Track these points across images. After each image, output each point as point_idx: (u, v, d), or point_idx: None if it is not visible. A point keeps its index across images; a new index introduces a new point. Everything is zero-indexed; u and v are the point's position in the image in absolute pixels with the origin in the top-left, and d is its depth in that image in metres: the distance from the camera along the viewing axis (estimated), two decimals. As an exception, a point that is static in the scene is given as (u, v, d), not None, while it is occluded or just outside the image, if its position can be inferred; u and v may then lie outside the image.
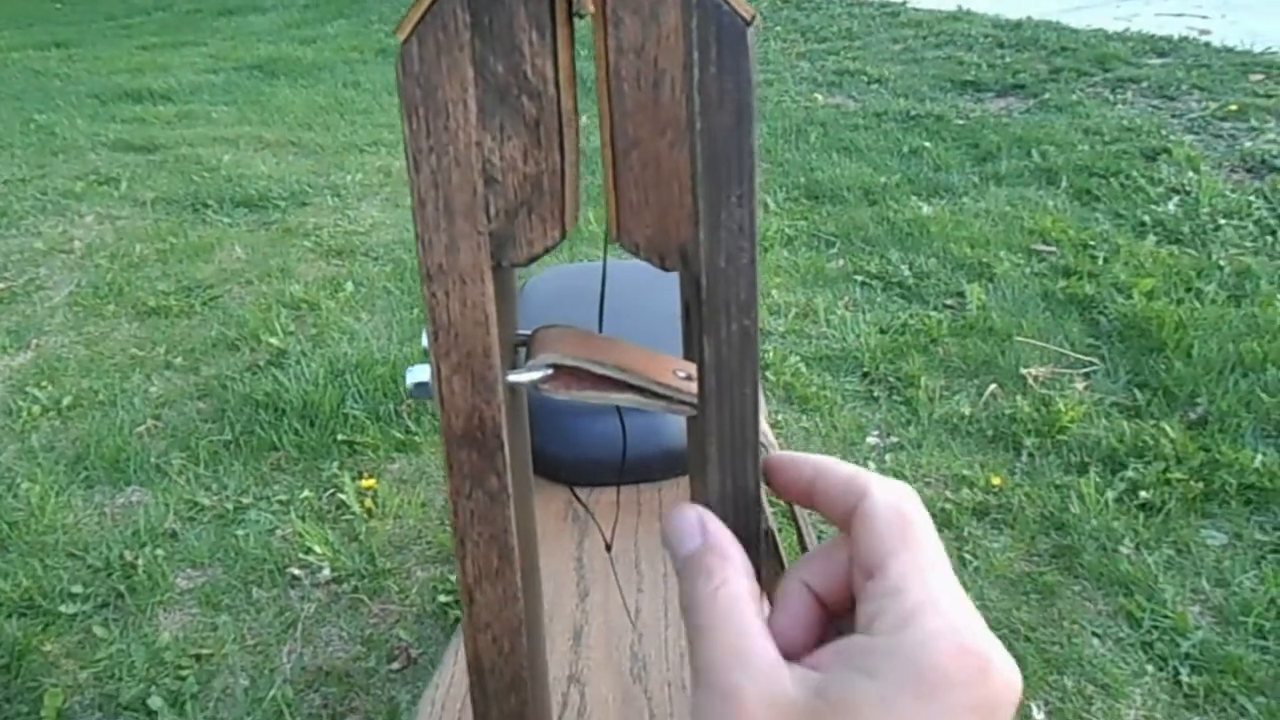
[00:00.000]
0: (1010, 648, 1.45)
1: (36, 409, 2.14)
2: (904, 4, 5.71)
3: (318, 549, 1.71)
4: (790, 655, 0.31)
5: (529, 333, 0.46)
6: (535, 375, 0.42)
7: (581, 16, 0.33)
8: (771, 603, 0.36)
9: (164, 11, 6.50)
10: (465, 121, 0.33)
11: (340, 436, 2.00)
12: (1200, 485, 1.72)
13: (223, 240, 2.99)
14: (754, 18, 0.33)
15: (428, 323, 0.38)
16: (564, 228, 0.36)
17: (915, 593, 0.29)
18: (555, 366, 0.43)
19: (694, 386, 0.43)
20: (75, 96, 4.59)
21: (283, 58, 5.14)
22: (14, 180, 3.52)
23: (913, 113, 3.84)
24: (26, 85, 4.84)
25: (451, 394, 0.39)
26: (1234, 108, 3.62)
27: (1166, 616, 1.48)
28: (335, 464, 1.93)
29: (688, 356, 0.45)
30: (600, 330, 0.54)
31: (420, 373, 0.57)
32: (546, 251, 0.36)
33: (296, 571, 1.68)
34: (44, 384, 2.24)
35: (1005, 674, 0.28)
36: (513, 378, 0.42)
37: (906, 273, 2.57)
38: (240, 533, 1.76)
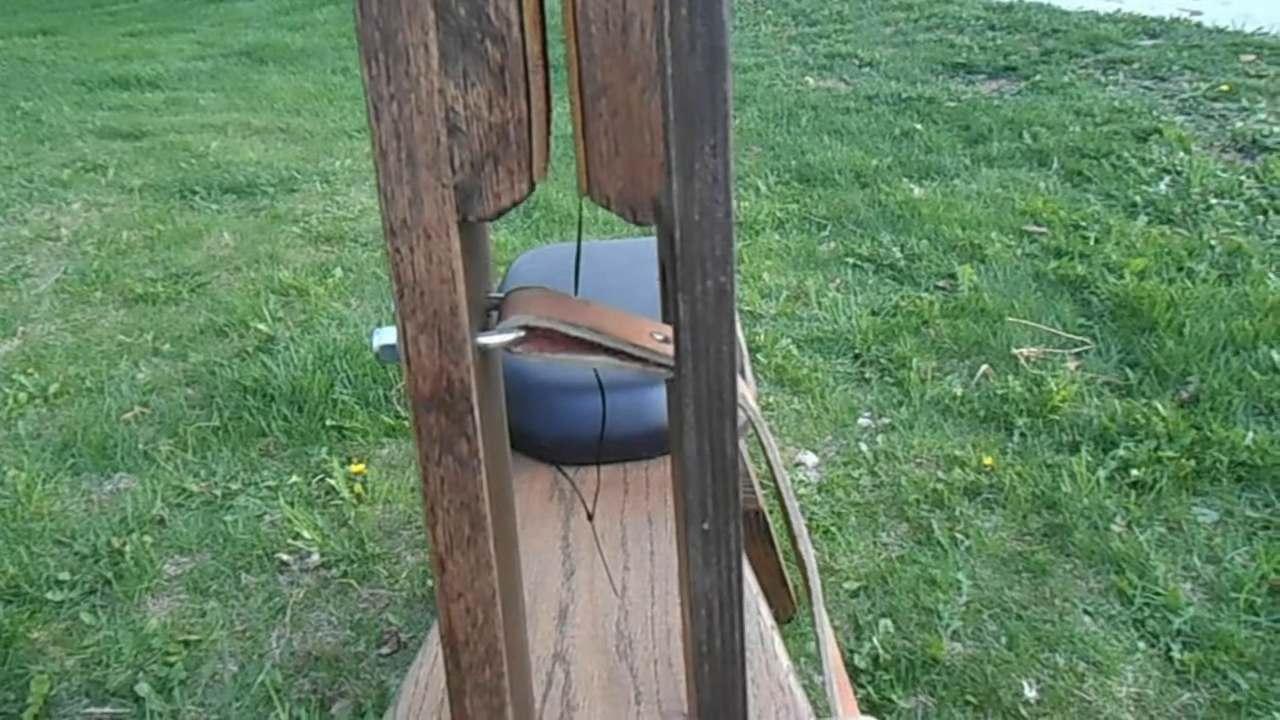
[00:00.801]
0: (1002, 626, 1.45)
1: (23, 396, 2.13)
2: (895, -13, 5.68)
3: (306, 534, 1.70)
4: None
5: (501, 295, 0.45)
6: (507, 337, 0.41)
7: None
8: (763, 587, 0.35)
9: (151, -2, 6.46)
10: (427, 67, 0.32)
11: (329, 422, 1.99)
12: (1192, 463, 1.72)
13: (211, 227, 2.97)
14: (725, -44, 0.32)
15: (392, 281, 0.36)
16: (532, 180, 0.35)
17: None
18: (528, 328, 0.42)
19: (670, 349, 0.42)
20: (61, 84, 4.55)
21: (271, 44, 5.11)
22: (0, 168, 3.49)
23: (904, 95, 3.82)
24: (12, 72, 4.80)
25: (418, 355, 0.37)
26: (1225, 88, 3.61)
27: (1158, 594, 1.48)
28: (324, 449, 1.92)
29: (665, 318, 0.44)
30: (576, 292, 0.52)
31: (387, 334, 0.56)
32: (515, 205, 0.35)
33: (285, 557, 1.67)
34: (30, 371, 2.22)
35: None
36: (483, 339, 0.41)
37: (898, 255, 2.56)
38: (229, 519, 1.75)
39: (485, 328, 0.42)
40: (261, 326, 2.35)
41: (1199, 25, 4.49)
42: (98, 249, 2.84)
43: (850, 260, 2.58)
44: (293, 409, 2.03)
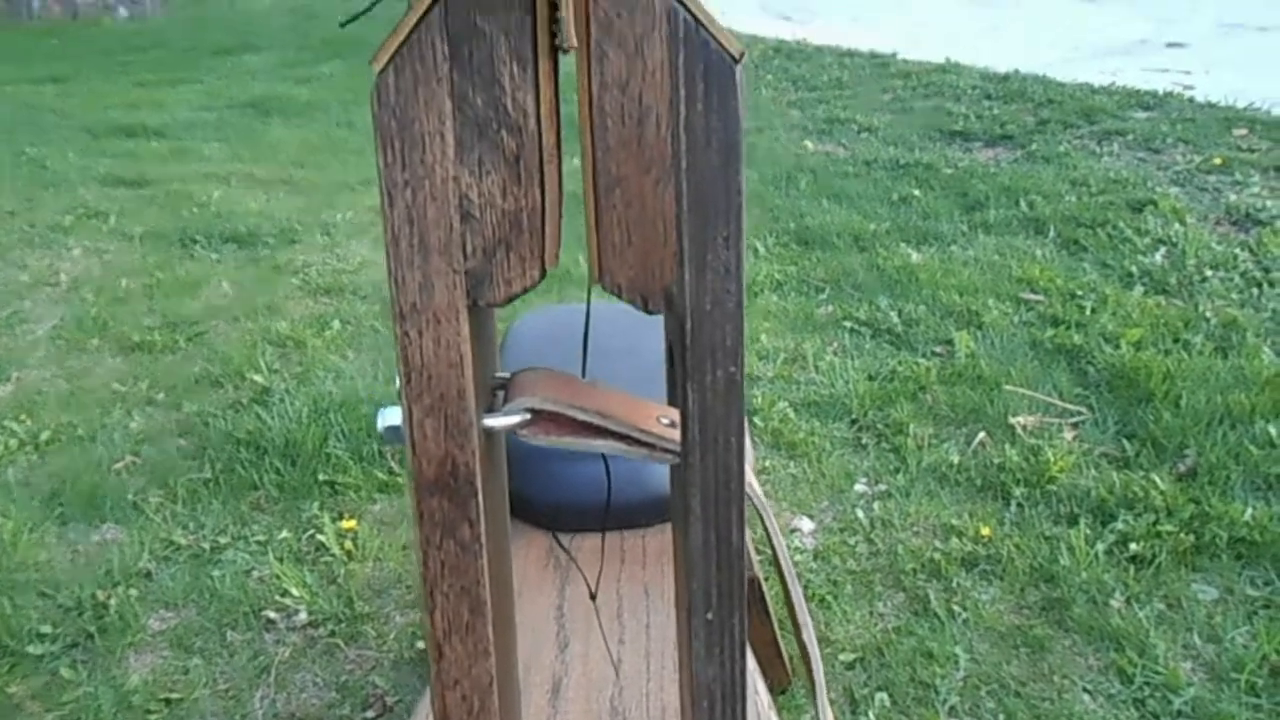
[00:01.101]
0: (1000, 704, 1.43)
1: (14, 443, 2.11)
2: (893, 55, 5.78)
3: (295, 591, 1.67)
4: None
5: (508, 375, 0.44)
6: (513, 420, 0.41)
7: (565, 51, 0.32)
8: (759, 659, 0.34)
9: (161, 49, 6.54)
10: (442, 155, 0.32)
11: (322, 476, 1.97)
12: (1191, 538, 1.71)
13: (210, 276, 2.97)
14: (742, 55, 0.32)
15: (399, 363, 0.36)
16: (543, 267, 0.35)
17: None
18: (534, 411, 0.41)
19: (678, 434, 0.41)
20: (68, 130, 4.59)
21: (277, 96, 5.17)
22: (2, 213, 3.50)
23: (902, 161, 3.87)
24: (19, 118, 4.84)
25: (423, 438, 0.37)
26: (1218, 161, 3.66)
27: (1158, 672, 1.46)
28: (316, 504, 1.90)
29: (672, 402, 0.43)
30: (584, 374, 0.52)
31: (392, 415, 0.55)
32: (525, 291, 0.35)
33: (272, 614, 1.64)
34: (23, 418, 2.21)
35: None
36: (489, 422, 0.40)
37: (895, 319, 2.57)
38: (216, 573, 1.73)
39: (490, 408, 0.42)
40: (257, 378, 2.35)
41: (1191, 99, 4.57)
42: (96, 296, 2.84)
43: (848, 324, 2.58)
44: (285, 462, 2.02)
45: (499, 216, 0.34)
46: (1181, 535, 1.71)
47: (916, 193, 3.51)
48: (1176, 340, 2.38)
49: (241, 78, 5.70)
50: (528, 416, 0.42)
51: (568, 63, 0.34)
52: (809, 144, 4.21)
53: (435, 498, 0.39)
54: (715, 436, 0.39)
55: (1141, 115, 4.37)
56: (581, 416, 0.42)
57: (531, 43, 0.32)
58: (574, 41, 0.31)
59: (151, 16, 7.60)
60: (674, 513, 0.46)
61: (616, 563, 0.91)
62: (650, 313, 0.36)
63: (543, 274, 0.35)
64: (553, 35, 0.32)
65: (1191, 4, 7.62)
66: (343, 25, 0.40)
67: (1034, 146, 3.99)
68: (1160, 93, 4.67)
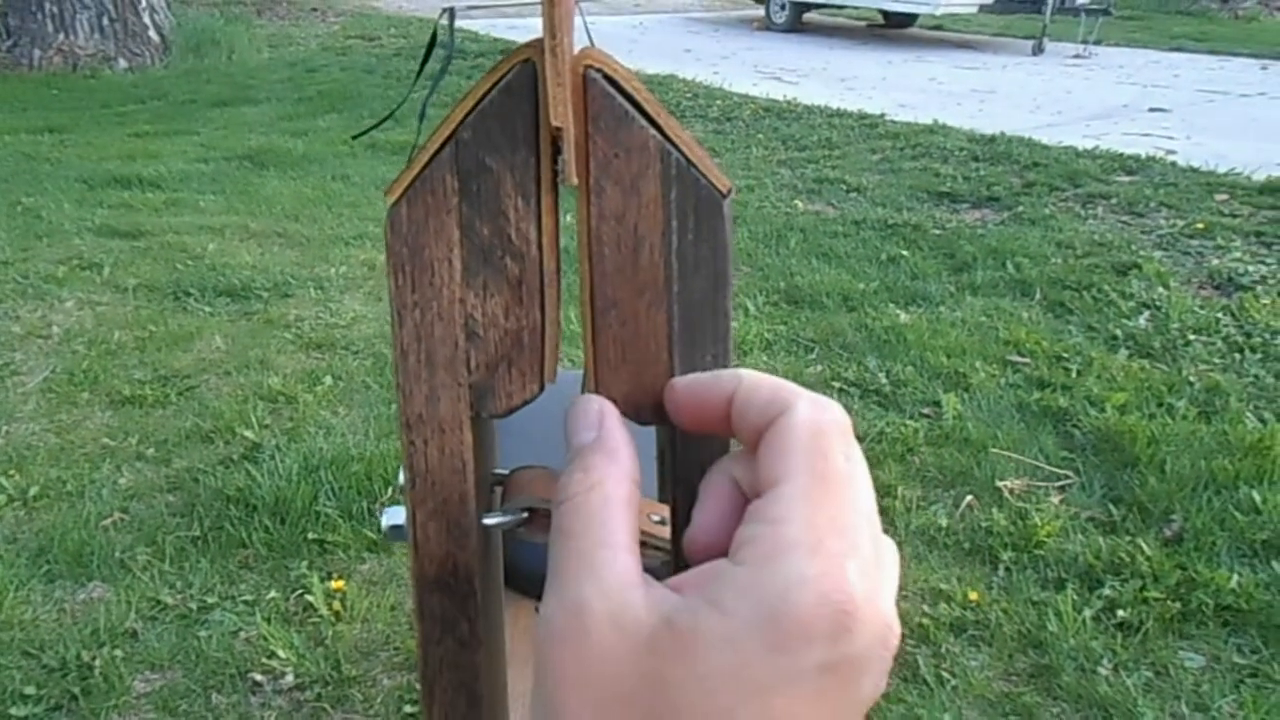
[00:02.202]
0: (988, 773, 1.43)
1: (2, 498, 2.10)
2: (882, 116, 5.89)
3: (282, 653, 1.66)
4: (711, 554, 0.28)
5: (505, 472, 0.46)
6: (510, 518, 0.42)
7: (566, 186, 0.35)
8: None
9: (159, 101, 6.61)
10: (449, 279, 0.34)
11: (311, 535, 1.97)
12: (1177, 605, 1.72)
13: (203, 330, 2.99)
14: (730, 190, 0.34)
15: (405, 469, 0.38)
16: (543, 380, 0.37)
17: (795, 527, 0.26)
18: (530, 510, 0.43)
19: (667, 531, 0.43)
20: (64, 181, 4.63)
21: (273, 149, 5.22)
22: (-4, 263, 3.52)
23: (890, 221, 3.93)
24: (16, 168, 4.88)
25: (426, 540, 0.39)
26: (1201, 226, 3.73)
27: (1145, 742, 1.46)
28: (304, 563, 1.89)
29: (662, 499, 0.45)
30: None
31: (396, 515, 0.56)
32: (525, 404, 0.37)
33: (259, 677, 1.63)
34: (11, 472, 2.20)
35: (874, 629, 0.25)
36: (488, 521, 0.42)
37: (884, 380, 2.60)
38: (203, 634, 1.72)
39: (489, 507, 0.43)
40: (248, 433, 2.35)
41: (1174, 164, 4.66)
42: (88, 348, 2.85)
43: (837, 384, 2.61)
44: (275, 520, 2.01)
45: (501, 335, 0.36)
46: (1168, 602, 1.72)
47: (905, 253, 3.56)
48: (1161, 404, 2.41)
49: (238, 130, 5.76)
50: (524, 515, 0.43)
51: (567, 194, 0.36)
52: (799, 203, 4.27)
53: (436, 595, 0.40)
54: (706, 541, 0.40)
55: (1125, 179, 4.46)
56: (576, 515, 0.44)
57: (535, 179, 0.34)
58: (574, 180, 0.33)
59: (150, 69, 7.70)
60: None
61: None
62: (643, 423, 0.38)
63: (541, 387, 0.37)
64: (554, 172, 0.34)
65: (1173, 71, 7.80)
66: (354, 138, 0.43)
67: (1020, 208, 4.06)
68: (1143, 157, 4.77)
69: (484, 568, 0.42)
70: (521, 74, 0.32)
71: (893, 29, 10.76)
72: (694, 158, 0.33)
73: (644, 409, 0.37)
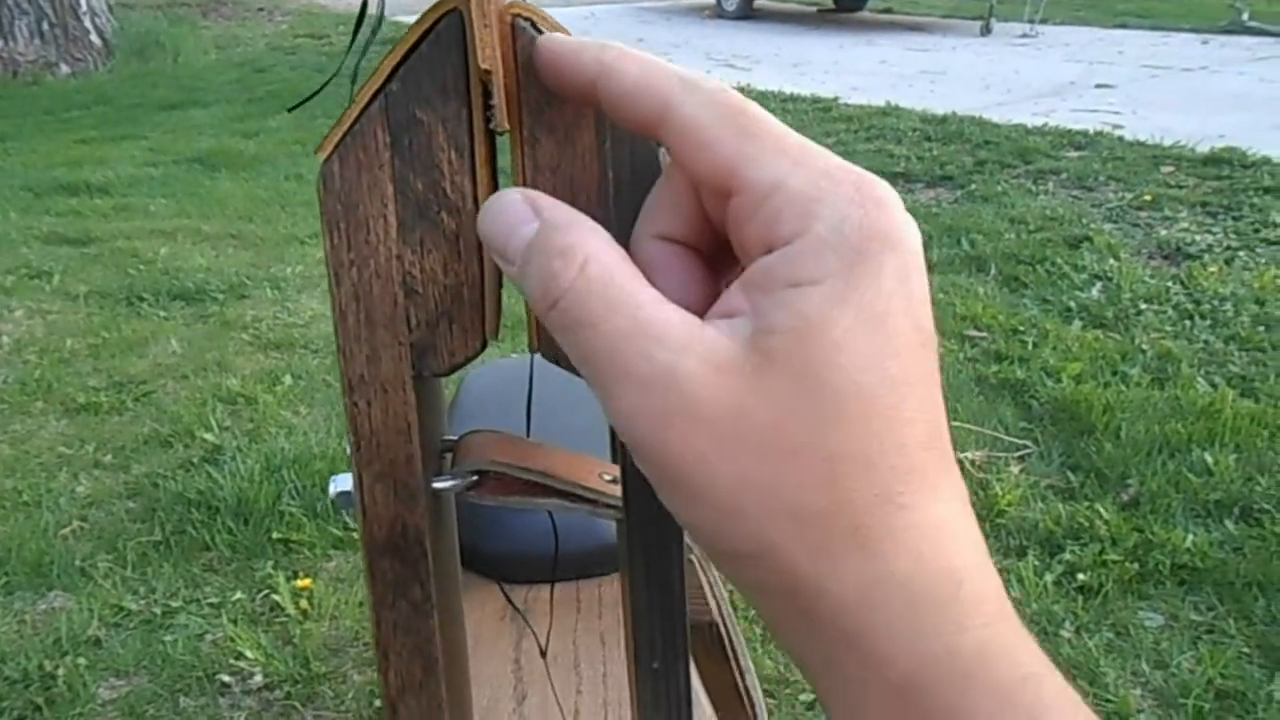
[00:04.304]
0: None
1: (-45, 512, 2.06)
2: (835, 100, 5.93)
3: (249, 654, 1.65)
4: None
5: (455, 438, 0.46)
6: (460, 481, 0.42)
7: (500, 134, 0.34)
8: (716, 703, 0.33)
9: (104, 106, 6.49)
10: (385, 236, 0.34)
11: (275, 535, 1.95)
12: (1135, 566, 1.75)
13: (158, 334, 2.94)
14: (665, 138, 0.35)
15: (349, 433, 0.38)
16: (484, 337, 0.37)
17: (795, 178, 0.24)
18: (480, 473, 0.43)
19: (619, 490, 0.43)
20: (8, 190, 4.53)
21: (224, 151, 5.15)
22: (-59, 275, 3.44)
23: (846, 203, 3.95)
24: (-41, 179, 4.77)
25: (374, 503, 0.38)
26: (1148, 198, 3.79)
27: (1109, 700, 1.49)
28: (270, 563, 1.88)
29: (612, 458, 0.45)
30: (529, 430, 0.54)
31: (344, 482, 0.56)
32: (468, 361, 0.37)
33: (227, 678, 1.61)
34: (-36, 485, 2.16)
35: (908, 220, 0.24)
36: (437, 484, 0.42)
37: (844, 359, 2.61)
38: (168, 638, 1.70)
39: (439, 472, 0.43)
40: (208, 436, 2.32)
41: (1121, 138, 4.73)
42: (40, 357, 2.79)
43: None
44: (238, 522, 1.99)
45: (441, 291, 0.36)
46: (1127, 564, 1.76)
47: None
48: (1115, 373, 2.45)
49: (187, 133, 5.67)
50: (474, 478, 0.43)
51: (504, 144, 0.36)
52: (755, 188, 4.28)
53: (386, 559, 0.40)
54: (652, 491, 0.40)
55: (1074, 154, 4.52)
56: (526, 476, 0.44)
57: (468, 131, 0.34)
58: (505, 125, 0.33)
59: (94, 73, 7.55)
60: (621, 563, 0.47)
61: (573, 612, 0.92)
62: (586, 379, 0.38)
63: (484, 344, 0.37)
64: (487, 120, 0.34)
65: (1117, 47, 7.92)
66: (290, 110, 0.42)
67: (973, 186, 4.10)
68: (1091, 132, 4.84)
69: (435, 532, 0.41)
70: (449, 24, 0.32)
71: (843, 13, 10.81)
72: None
73: (588, 364, 0.37)
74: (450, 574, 0.47)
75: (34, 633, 1.73)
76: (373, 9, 0.48)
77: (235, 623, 1.72)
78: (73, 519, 2.04)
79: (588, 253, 0.25)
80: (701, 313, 0.25)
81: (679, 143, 0.26)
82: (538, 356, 0.41)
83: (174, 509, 2.05)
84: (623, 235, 0.35)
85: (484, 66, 0.31)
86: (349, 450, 0.39)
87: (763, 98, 6.09)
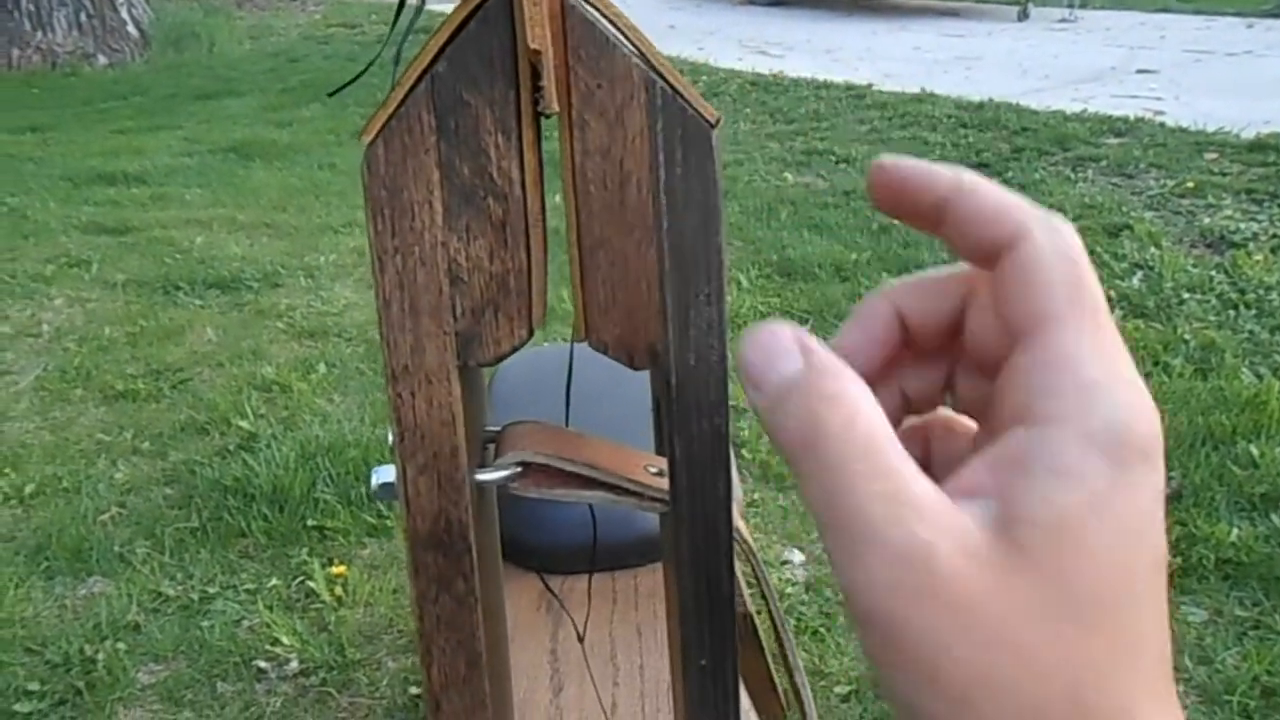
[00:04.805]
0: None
1: (-2, 497, 2.09)
2: (869, 86, 5.86)
3: (285, 640, 1.66)
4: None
5: (498, 429, 0.45)
6: (504, 474, 0.41)
7: (548, 116, 0.33)
8: (751, 692, 0.31)
9: (141, 96, 6.56)
10: (431, 222, 0.33)
11: (310, 522, 1.96)
12: (1179, 560, 1.72)
13: (194, 322, 2.97)
14: (718, 120, 0.33)
15: (392, 423, 0.37)
16: (531, 326, 0.36)
17: (1092, 365, 0.23)
18: (524, 464, 0.42)
19: (665, 482, 0.42)
20: (48, 180, 4.59)
21: (258, 140, 5.19)
22: (-17, 264, 3.49)
23: (881, 191, 3.91)
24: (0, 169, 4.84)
25: (417, 495, 0.38)
26: (1191, 185, 3.72)
27: (1151, 696, 1.46)
28: (305, 550, 1.89)
29: (659, 451, 0.44)
30: (568, 421, 0.53)
31: (386, 473, 0.56)
32: (514, 350, 0.36)
33: (263, 664, 1.63)
34: (7, 471, 2.19)
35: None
36: (481, 476, 0.41)
37: (879, 349, 2.59)
38: (205, 624, 1.72)
39: (482, 463, 0.43)
40: (243, 424, 2.34)
41: (1162, 124, 4.64)
42: (79, 345, 2.83)
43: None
44: (273, 508, 2.01)
45: (487, 279, 0.35)
46: (1171, 558, 1.73)
47: (896, 222, 3.54)
48: (1157, 363, 2.40)
49: (222, 122, 5.72)
50: (518, 470, 0.42)
51: (550, 128, 0.35)
52: (788, 175, 4.25)
53: (430, 553, 0.39)
54: (702, 486, 0.39)
55: (1114, 141, 4.44)
56: (570, 468, 0.43)
57: (516, 113, 0.33)
58: (555, 107, 0.32)
59: (131, 64, 7.63)
60: (665, 556, 0.46)
61: (609, 603, 0.92)
62: (635, 368, 0.37)
63: (530, 333, 0.36)
64: (535, 103, 0.33)
65: (1159, 31, 7.77)
66: (330, 95, 0.41)
67: (1010, 174, 4.04)
68: (1132, 118, 4.75)
69: (479, 525, 0.41)
70: (497, 2, 0.31)
71: None
72: (679, 87, 0.32)
73: (637, 352, 0.36)
74: (492, 567, 0.46)
75: (74, 617, 1.76)
76: (413, -6, 0.48)
77: (271, 609, 1.74)
78: (111, 505, 2.07)
79: (856, 407, 0.24)
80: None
81: (1013, 273, 0.25)
82: (577, 345, 0.40)
83: (210, 495, 2.06)
84: (677, 224, 0.34)
85: (534, 47, 0.30)
86: (391, 441, 0.38)
87: (795, 85, 6.04)
